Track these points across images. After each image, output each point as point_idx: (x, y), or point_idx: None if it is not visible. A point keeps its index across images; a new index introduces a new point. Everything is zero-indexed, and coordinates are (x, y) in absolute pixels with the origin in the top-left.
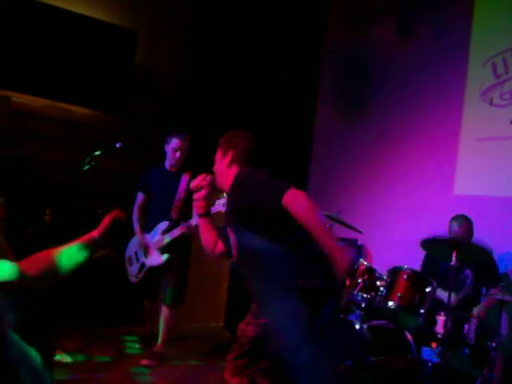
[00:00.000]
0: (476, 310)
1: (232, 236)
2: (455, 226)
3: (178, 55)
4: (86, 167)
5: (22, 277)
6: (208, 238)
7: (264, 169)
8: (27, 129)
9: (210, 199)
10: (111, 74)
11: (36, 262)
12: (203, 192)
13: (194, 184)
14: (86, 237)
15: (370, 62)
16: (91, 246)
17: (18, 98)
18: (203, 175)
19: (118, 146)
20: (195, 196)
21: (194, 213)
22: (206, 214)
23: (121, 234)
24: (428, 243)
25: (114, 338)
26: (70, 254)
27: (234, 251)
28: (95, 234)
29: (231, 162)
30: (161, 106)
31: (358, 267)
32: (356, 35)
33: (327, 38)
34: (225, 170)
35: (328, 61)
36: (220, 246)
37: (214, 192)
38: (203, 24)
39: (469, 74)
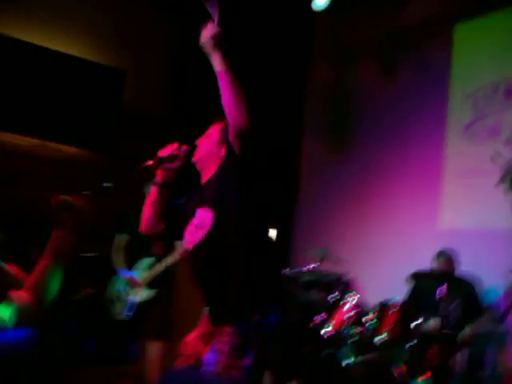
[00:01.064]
0: (461, 336)
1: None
2: (439, 262)
3: (164, 93)
4: None
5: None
6: (154, 210)
7: None
8: (17, 168)
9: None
10: (100, 113)
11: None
12: (176, 164)
13: (165, 152)
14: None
15: (354, 97)
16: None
17: (8, 137)
18: (176, 145)
19: (105, 185)
20: (164, 165)
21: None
22: (164, 185)
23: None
24: (416, 277)
25: (104, 378)
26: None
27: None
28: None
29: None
30: (149, 144)
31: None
32: (340, 70)
33: (312, 73)
34: (216, 156)
35: (313, 95)
36: (161, 224)
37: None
38: (188, 61)
39: (450, 110)
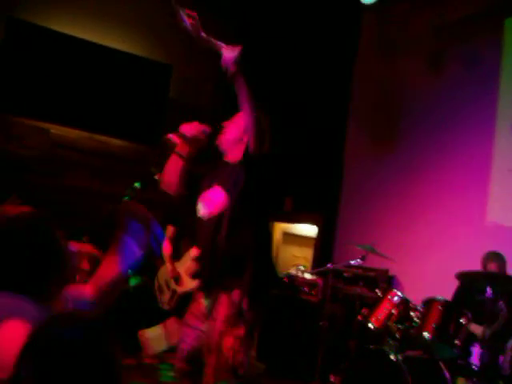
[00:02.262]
0: (511, 343)
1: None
2: (493, 265)
3: (210, 87)
4: (126, 198)
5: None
6: (175, 176)
7: None
8: (66, 160)
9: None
10: (146, 107)
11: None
12: (198, 144)
13: (189, 130)
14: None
15: (400, 94)
16: None
17: (57, 129)
18: (199, 126)
19: (157, 177)
20: (189, 142)
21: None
22: (185, 158)
23: None
24: (463, 275)
25: (149, 365)
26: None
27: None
28: None
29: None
30: None
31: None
32: (386, 67)
33: (357, 71)
34: (240, 142)
35: (358, 93)
36: (182, 188)
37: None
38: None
39: (499, 105)
